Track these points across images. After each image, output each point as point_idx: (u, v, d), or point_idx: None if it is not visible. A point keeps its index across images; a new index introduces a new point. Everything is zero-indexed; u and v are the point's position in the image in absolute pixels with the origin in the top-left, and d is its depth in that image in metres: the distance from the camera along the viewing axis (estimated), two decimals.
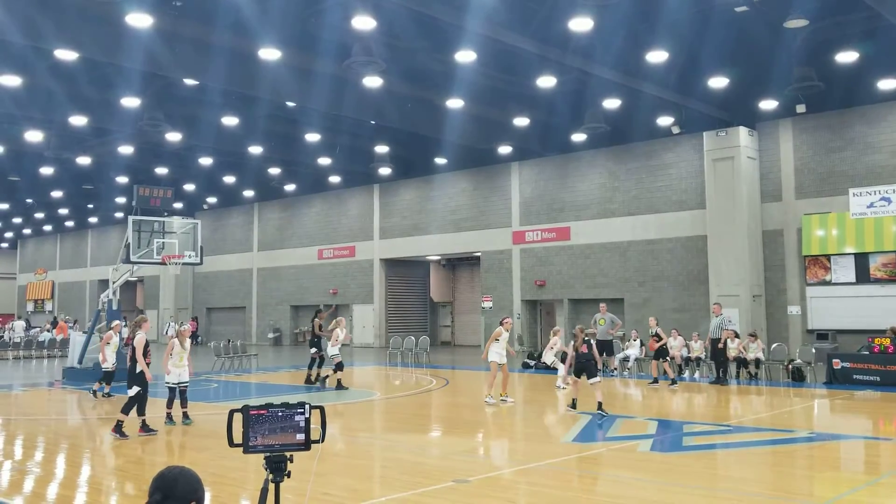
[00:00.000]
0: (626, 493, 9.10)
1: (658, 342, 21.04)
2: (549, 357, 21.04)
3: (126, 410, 13.24)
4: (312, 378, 21.11)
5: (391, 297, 41.87)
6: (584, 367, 15.40)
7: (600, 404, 14.98)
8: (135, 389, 13.26)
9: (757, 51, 21.61)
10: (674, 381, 20.22)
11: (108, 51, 20.24)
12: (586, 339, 15.55)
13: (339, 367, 20.21)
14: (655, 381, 20.39)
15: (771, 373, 22.22)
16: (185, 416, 14.49)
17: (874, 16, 18.74)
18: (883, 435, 14.02)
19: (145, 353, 13.43)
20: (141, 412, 13.37)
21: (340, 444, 12.43)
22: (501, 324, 17.52)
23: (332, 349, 20.40)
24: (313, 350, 21.28)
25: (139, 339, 13.49)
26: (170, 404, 14.56)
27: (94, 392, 19.03)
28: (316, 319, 21.95)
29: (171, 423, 14.31)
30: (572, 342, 15.77)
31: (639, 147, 31.54)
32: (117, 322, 20.43)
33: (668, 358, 21.21)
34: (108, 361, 19.02)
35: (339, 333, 20.51)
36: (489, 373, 17.43)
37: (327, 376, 20.79)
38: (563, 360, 20.19)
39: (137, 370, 13.34)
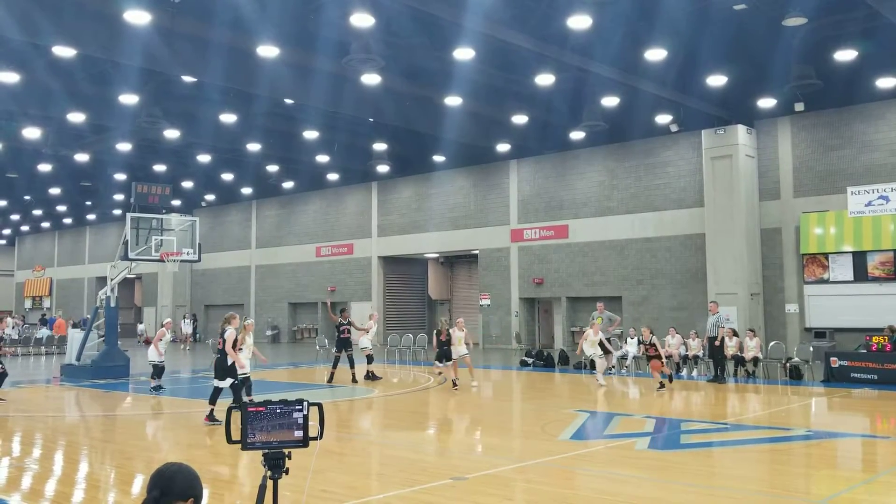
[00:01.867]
0: (624, 490, 9.11)
1: (651, 351, 19.96)
2: (588, 349, 20.61)
3: (213, 400, 14.21)
4: (372, 374, 21.68)
5: (389, 295, 41.85)
6: (444, 353, 20.03)
7: (454, 381, 19.63)
8: (228, 381, 14.13)
9: (755, 49, 21.60)
10: (670, 378, 19.76)
11: (107, 47, 20.21)
12: (448, 328, 20.32)
13: (369, 359, 21.73)
14: (662, 385, 19.33)
15: (769, 371, 22.23)
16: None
17: (873, 14, 18.74)
18: (880, 433, 14.04)
19: (234, 346, 14.21)
20: (212, 401, 14.25)
21: (338, 441, 12.43)
22: (455, 325, 20.37)
23: (364, 341, 21.85)
24: (348, 351, 21.67)
25: (230, 334, 14.11)
26: (249, 392, 15.12)
27: (154, 388, 19.35)
28: (340, 319, 22.12)
29: None
30: (435, 330, 20.42)
31: (637, 145, 31.54)
32: (169, 320, 21.29)
33: (660, 359, 20.02)
34: (158, 356, 19.65)
35: (374, 326, 22.27)
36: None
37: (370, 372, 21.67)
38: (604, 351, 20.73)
39: (228, 363, 14.08)
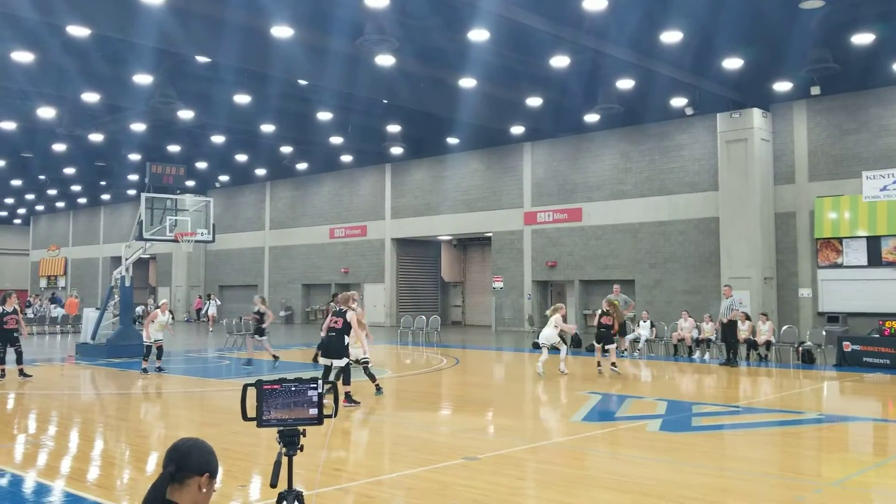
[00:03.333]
0: (635, 471, 9.15)
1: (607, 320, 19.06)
2: (549, 334, 18.62)
3: (347, 381, 13.92)
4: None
5: (402, 277, 41.94)
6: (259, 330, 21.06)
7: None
8: (344, 360, 14.13)
9: (772, 32, 21.45)
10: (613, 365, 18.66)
11: (121, 27, 20.23)
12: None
13: None
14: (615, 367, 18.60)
15: (781, 355, 22.21)
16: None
17: None
18: (892, 417, 14.04)
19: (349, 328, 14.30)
20: (346, 382, 14.00)
21: (350, 420, 12.51)
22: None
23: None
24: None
25: (351, 316, 14.18)
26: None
27: (145, 369, 19.26)
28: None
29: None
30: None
31: (652, 128, 31.41)
32: (165, 301, 20.89)
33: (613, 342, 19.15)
34: (152, 337, 19.51)
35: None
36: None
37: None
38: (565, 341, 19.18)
39: (345, 342, 14.12)
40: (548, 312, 19.44)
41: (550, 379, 17.67)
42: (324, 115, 30.68)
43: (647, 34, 21.01)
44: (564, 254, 34.10)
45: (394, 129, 32.88)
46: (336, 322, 14.18)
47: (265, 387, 4.36)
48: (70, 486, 8.63)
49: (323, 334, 14.68)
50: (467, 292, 44.47)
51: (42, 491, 8.50)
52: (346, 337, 14.03)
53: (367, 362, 15.10)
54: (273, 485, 4.15)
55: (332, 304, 22.08)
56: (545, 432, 11.76)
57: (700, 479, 8.83)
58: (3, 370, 18.09)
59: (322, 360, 14.41)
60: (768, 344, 22.01)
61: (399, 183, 41.13)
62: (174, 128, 32.99)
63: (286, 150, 38.56)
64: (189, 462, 3.38)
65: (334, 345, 14.08)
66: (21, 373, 18.05)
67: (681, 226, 30.52)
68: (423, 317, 30.64)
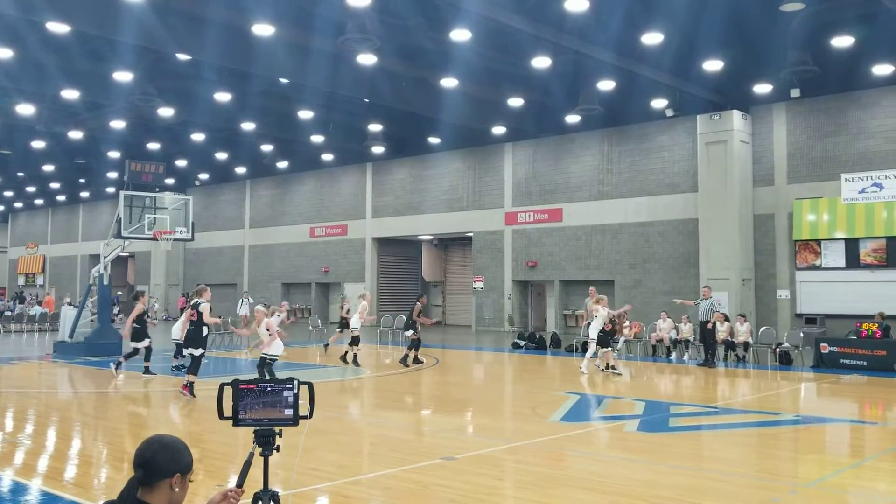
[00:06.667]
0: (613, 471, 9.19)
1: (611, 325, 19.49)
2: (594, 331, 18.90)
3: (195, 371, 14.99)
4: (410, 360, 20.97)
5: (383, 276, 41.87)
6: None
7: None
8: (200, 350, 15.15)
9: (752, 34, 21.55)
10: (607, 367, 18.95)
11: (101, 24, 20.07)
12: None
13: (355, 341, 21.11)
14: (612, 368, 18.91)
15: (759, 356, 22.35)
16: None
17: (871, 0, 18.71)
18: (868, 419, 14.16)
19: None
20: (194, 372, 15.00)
21: (329, 420, 12.48)
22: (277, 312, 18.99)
23: (354, 323, 21.11)
24: (411, 332, 21.26)
25: (205, 307, 15.13)
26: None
27: (175, 367, 19.40)
28: (417, 304, 21.83)
29: None
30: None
31: (632, 129, 31.52)
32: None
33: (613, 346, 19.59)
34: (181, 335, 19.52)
35: (367, 308, 21.46)
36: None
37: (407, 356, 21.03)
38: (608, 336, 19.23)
39: (202, 333, 15.24)
40: (591, 304, 19.34)
41: (530, 379, 17.68)
42: (305, 114, 30.58)
43: (628, 36, 21.06)
44: (545, 254, 34.16)
45: (375, 128, 32.81)
46: (193, 314, 15.33)
47: (241, 387, 4.35)
48: (47, 484, 8.58)
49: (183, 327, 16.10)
50: (448, 292, 44.44)
51: (18, 490, 8.43)
52: (203, 328, 15.11)
53: (274, 359, 15.27)
54: (239, 484, 4.12)
55: (417, 304, 21.80)
56: (523, 432, 11.78)
57: (677, 479, 8.87)
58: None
59: (186, 351, 15.58)
60: (746, 345, 22.15)
61: (380, 182, 41.08)
62: (154, 125, 32.76)
63: (266, 148, 38.40)
64: (156, 467, 3.30)
65: (193, 335, 15.24)
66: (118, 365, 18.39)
67: (660, 227, 30.65)
68: (404, 316, 30.47)
